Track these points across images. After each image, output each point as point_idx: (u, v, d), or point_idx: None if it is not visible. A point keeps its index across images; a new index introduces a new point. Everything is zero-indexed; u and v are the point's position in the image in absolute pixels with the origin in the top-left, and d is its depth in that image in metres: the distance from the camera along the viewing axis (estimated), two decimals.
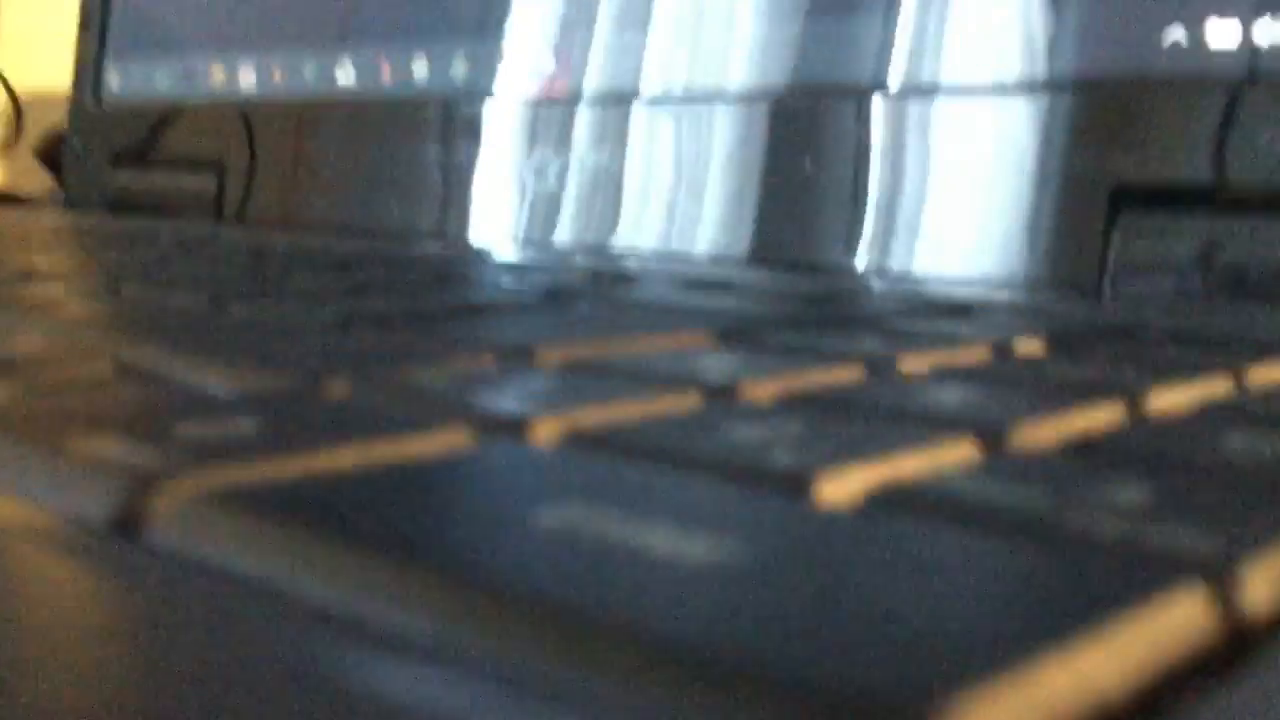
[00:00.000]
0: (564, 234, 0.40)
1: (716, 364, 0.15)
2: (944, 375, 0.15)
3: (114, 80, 0.61)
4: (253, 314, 0.19)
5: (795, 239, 0.34)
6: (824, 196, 0.34)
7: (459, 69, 0.46)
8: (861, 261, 0.32)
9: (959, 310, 0.23)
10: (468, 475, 0.10)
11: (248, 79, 0.54)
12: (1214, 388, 0.15)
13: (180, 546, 0.09)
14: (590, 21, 0.41)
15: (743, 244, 0.35)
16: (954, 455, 0.11)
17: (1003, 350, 0.17)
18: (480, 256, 0.36)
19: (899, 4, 0.33)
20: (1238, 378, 0.15)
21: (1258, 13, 0.27)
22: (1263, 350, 0.17)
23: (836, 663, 0.06)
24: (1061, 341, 0.18)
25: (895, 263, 0.32)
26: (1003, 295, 0.27)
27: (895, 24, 0.33)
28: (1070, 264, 0.29)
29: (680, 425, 0.12)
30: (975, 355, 0.17)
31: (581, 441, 0.11)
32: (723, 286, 0.26)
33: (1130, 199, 0.28)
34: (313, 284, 0.24)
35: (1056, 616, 0.07)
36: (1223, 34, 0.28)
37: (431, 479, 0.10)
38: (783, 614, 0.07)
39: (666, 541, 0.08)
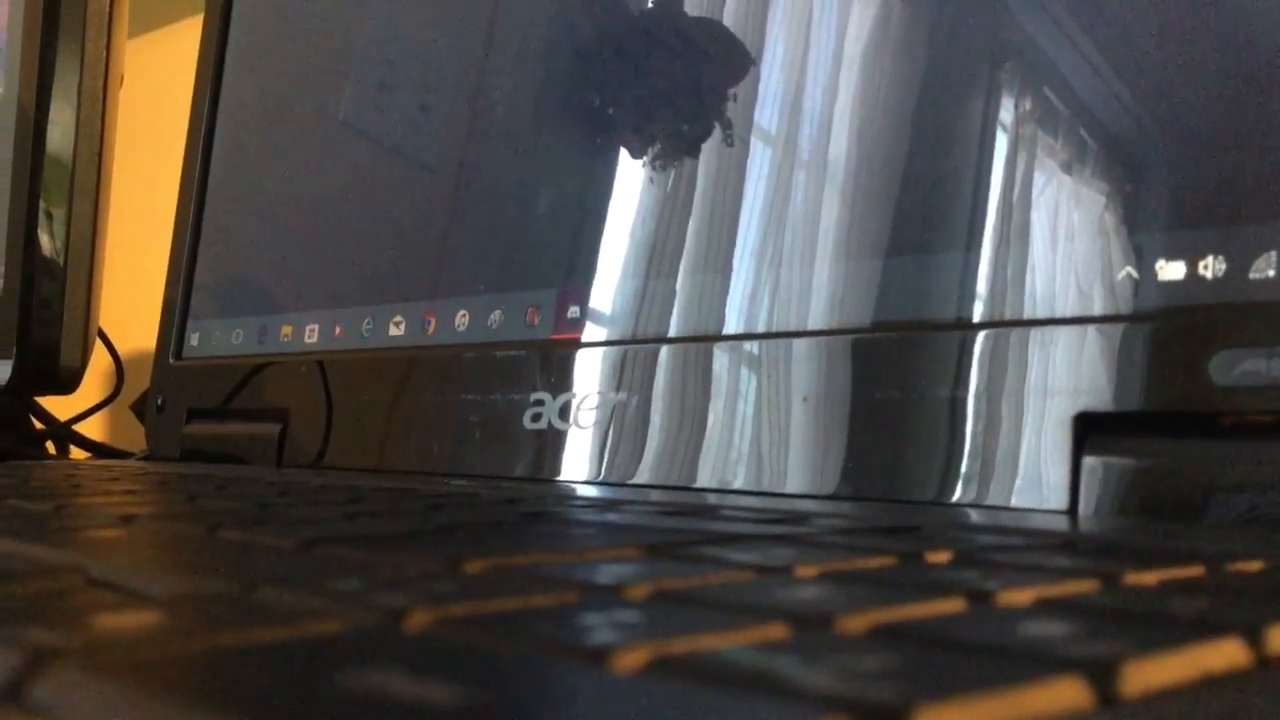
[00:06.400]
0: (641, 474, 0.41)
1: (608, 571, 0.16)
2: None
3: (194, 339, 0.66)
4: (239, 538, 0.21)
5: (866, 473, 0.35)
6: (900, 431, 0.34)
7: (521, 313, 0.49)
8: (949, 494, 0.33)
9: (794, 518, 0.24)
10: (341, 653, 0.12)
11: (311, 335, 0.58)
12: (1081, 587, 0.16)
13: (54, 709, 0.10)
14: (653, 265, 0.43)
15: (826, 480, 0.36)
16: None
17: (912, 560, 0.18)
18: (534, 494, 0.38)
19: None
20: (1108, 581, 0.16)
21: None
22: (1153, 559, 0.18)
23: None
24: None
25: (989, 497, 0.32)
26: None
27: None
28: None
29: (534, 617, 0.13)
30: (823, 564, 0.18)
31: (443, 626, 0.13)
32: (700, 513, 0.28)
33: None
34: (310, 514, 0.26)
35: None
36: None
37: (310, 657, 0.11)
38: None
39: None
